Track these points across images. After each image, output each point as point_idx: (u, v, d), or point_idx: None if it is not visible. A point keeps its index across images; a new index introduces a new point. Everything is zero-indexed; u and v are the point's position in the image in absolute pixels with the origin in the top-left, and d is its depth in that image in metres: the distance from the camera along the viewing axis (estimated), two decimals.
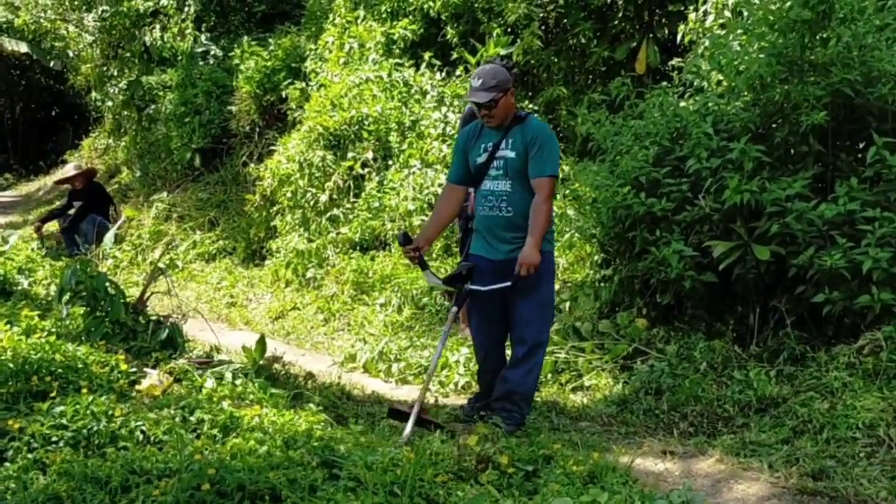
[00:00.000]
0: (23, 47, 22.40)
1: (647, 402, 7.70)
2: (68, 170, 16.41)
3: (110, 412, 5.58)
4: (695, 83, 9.63)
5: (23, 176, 28.94)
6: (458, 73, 13.63)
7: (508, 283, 6.80)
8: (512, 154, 6.93)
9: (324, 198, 13.52)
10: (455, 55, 13.87)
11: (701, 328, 8.39)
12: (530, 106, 13.03)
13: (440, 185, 12.29)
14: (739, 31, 8.85)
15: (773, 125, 8.32)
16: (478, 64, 12.92)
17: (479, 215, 7.15)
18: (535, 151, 6.85)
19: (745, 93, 8.53)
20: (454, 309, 7.06)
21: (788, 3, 8.01)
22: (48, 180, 25.32)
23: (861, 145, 8.16)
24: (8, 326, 7.03)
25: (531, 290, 6.91)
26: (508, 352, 7.35)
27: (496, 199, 6.98)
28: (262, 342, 7.41)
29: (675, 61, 11.01)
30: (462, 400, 8.23)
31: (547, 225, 6.85)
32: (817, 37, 8.02)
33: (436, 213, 7.33)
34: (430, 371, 6.96)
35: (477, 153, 7.08)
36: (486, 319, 7.18)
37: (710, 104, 8.76)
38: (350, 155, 13.62)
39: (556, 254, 8.49)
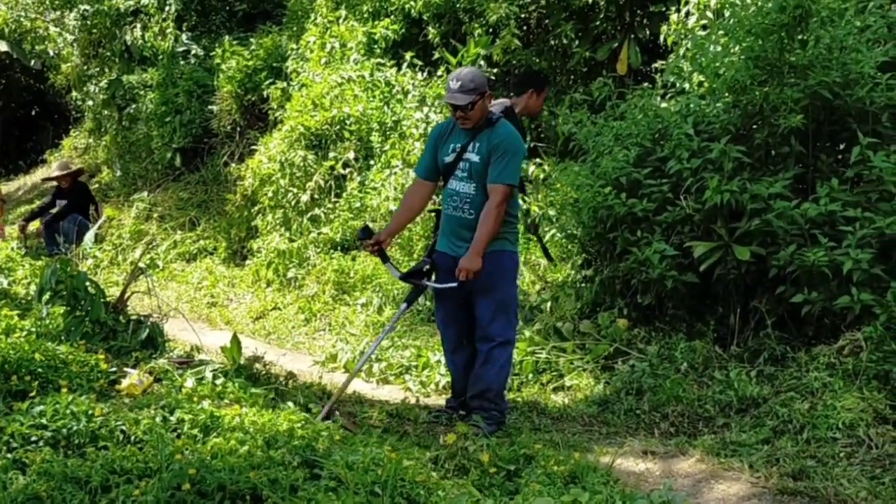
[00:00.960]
0: (2, 46, 22.28)
1: (629, 402, 7.72)
2: (56, 168, 16.33)
3: (90, 412, 5.55)
4: (676, 84, 9.65)
5: (2, 175, 28.83)
6: (439, 73, 13.60)
7: (454, 284, 6.88)
8: (476, 158, 6.97)
9: (305, 198, 13.49)
10: (437, 55, 13.86)
11: (682, 328, 8.41)
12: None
13: None
14: (721, 33, 8.87)
15: (754, 126, 8.34)
16: (459, 64, 12.93)
17: (444, 214, 7.22)
18: (496, 157, 6.87)
19: (726, 95, 8.55)
20: (404, 305, 7.20)
21: (766, 8, 8.03)
22: (28, 180, 25.18)
23: (841, 146, 8.19)
24: None
25: (489, 291, 6.99)
26: None
27: (460, 201, 7.03)
28: (235, 340, 7.38)
29: (657, 63, 11.03)
30: (443, 401, 8.23)
31: (494, 231, 6.85)
32: (795, 39, 8.04)
33: (402, 206, 7.42)
34: (364, 356, 7.14)
35: (446, 152, 7.13)
36: (450, 314, 7.28)
37: (691, 105, 8.78)
38: (331, 155, 13.59)
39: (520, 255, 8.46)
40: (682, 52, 9.98)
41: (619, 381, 8.06)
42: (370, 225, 7.34)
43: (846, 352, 7.05)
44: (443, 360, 8.96)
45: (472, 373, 7.18)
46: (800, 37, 8.04)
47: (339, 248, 12.99)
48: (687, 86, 9.44)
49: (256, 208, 14.55)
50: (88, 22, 20.09)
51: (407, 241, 11.88)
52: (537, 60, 13.29)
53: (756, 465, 6.17)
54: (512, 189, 6.95)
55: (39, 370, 6.17)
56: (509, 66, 13.38)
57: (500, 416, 7.14)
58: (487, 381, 7.08)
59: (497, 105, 8.73)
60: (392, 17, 14.81)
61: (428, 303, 10.77)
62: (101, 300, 7.43)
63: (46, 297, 7.44)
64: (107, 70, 20.37)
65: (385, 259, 7.31)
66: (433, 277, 7.23)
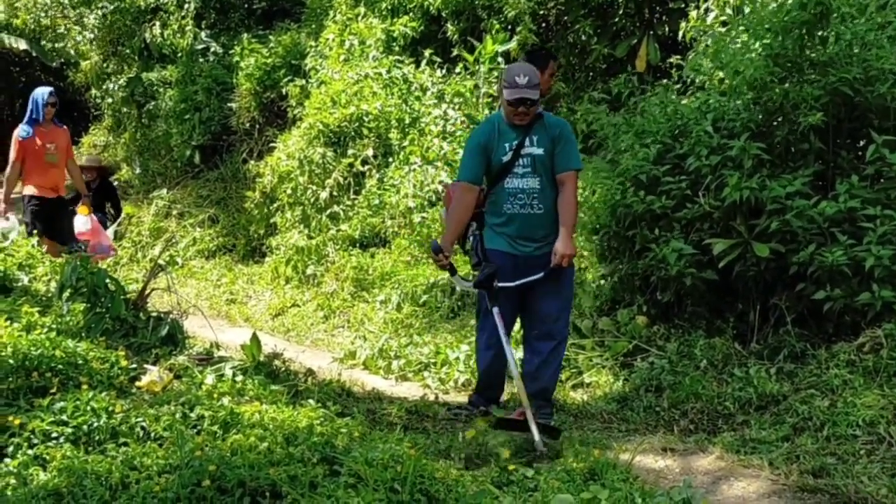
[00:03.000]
0: (22, 44, 22.34)
1: (648, 399, 7.70)
2: (85, 160, 16.30)
3: (110, 408, 5.58)
4: (696, 81, 9.62)
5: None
6: (457, 70, 13.61)
7: (541, 275, 6.92)
8: (540, 151, 7.01)
9: (324, 195, 13.50)
10: (455, 52, 13.85)
11: (701, 326, 8.39)
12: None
13: (440, 182, 12.27)
14: (741, 29, 8.84)
15: (774, 123, 8.31)
16: (476, 61, 12.92)
17: (505, 213, 7.12)
18: (561, 146, 7.00)
19: (746, 92, 8.51)
20: (495, 309, 6.92)
21: (786, 6, 7.99)
22: None
23: (862, 143, 8.14)
24: (8, 322, 7.00)
25: (558, 286, 7.03)
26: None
27: (527, 197, 7.03)
28: (255, 339, 7.40)
29: (675, 59, 10.99)
30: (462, 398, 8.23)
31: (577, 217, 7.03)
32: (816, 36, 8.01)
33: (458, 215, 7.21)
34: (515, 375, 6.89)
35: (502, 152, 7.07)
36: (505, 314, 7.07)
37: (710, 102, 8.75)
38: (350, 152, 13.61)
39: None
40: (701, 48, 9.94)
41: (639, 378, 8.05)
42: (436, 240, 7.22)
43: (866, 349, 7.02)
44: (461, 357, 8.98)
45: (530, 372, 7.18)
46: (820, 33, 8.00)
47: (357, 244, 13.00)
48: (707, 82, 9.40)
49: (275, 205, 14.56)
50: (108, 20, 20.15)
51: (426, 238, 11.88)
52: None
53: (776, 462, 6.15)
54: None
55: (60, 367, 6.18)
56: None
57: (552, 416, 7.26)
58: (547, 380, 7.18)
59: None
60: (411, 14, 14.83)
61: (447, 300, 10.78)
62: (122, 297, 7.46)
63: (67, 294, 7.46)
64: (126, 67, 20.45)
65: (454, 271, 7.20)
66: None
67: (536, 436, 6.33)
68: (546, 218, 7.03)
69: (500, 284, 6.95)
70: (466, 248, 7.47)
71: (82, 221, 12.50)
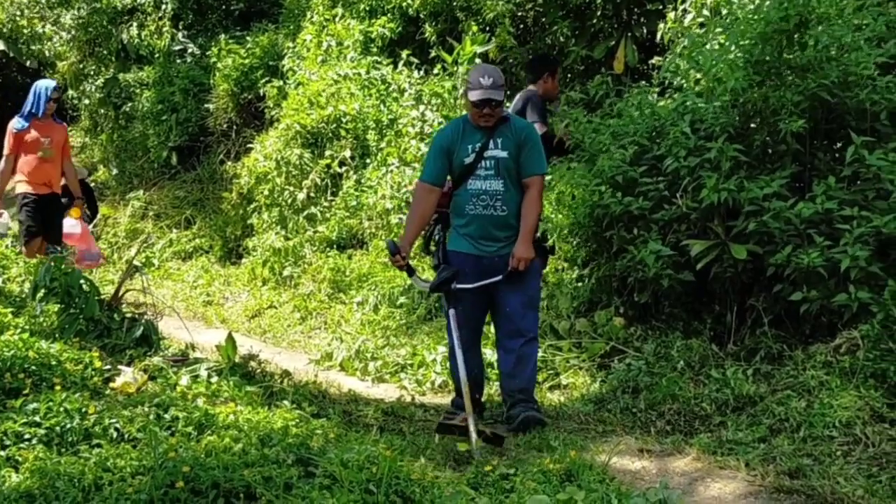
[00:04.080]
0: None
1: (625, 400, 7.69)
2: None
3: (84, 409, 5.55)
4: (674, 82, 9.63)
5: None
6: (435, 71, 13.60)
7: (500, 278, 6.94)
8: (504, 154, 7.02)
9: (301, 196, 13.49)
10: (433, 53, 13.84)
11: (678, 327, 8.39)
12: (507, 104, 13.00)
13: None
14: (718, 31, 8.85)
15: (752, 126, 8.31)
16: (455, 62, 12.91)
17: (467, 214, 7.14)
18: (528, 149, 7.01)
19: (724, 94, 8.51)
20: (451, 311, 6.99)
21: (766, 16, 7.99)
22: None
23: (839, 145, 8.16)
24: None
25: (521, 285, 7.03)
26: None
27: (490, 199, 7.05)
28: (230, 340, 7.38)
29: (653, 60, 11.01)
30: (439, 399, 8.22)
31: (538, 221, 7.04)
32: (794, 42, 8.01)
33: (417, 215, 7.29)
34: (462, 380, 6.81)
35: (465, 153, 7.10)
36: (470, 316, 7.18)
37: (688, 103, 8.75)
38: (327, 153, 13.60)
39: None
40: (679, 49, 9.94)
41: (616, 379, 8.04)
42: (395, 240, 7.20)
43: (843, 350, 7.03)
44: (438, 358, 8.98)
45: (506, 371, 7.20)
46: (799, 38, 8.01)
47: (335, 246, 12.99)
48: (684, 83, 9.41)
49: (252, 206, 14.53)
50: (85, 21, 20.07)
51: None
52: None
53: (752, 463, 6.15)
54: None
55: (33, 368, 6.16)
56: (505, 64, 13.35)
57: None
58: (525, 380, 7.18)
59: (522, 94, 8.75)
60: (389, 15, 14.80)
61: (424, 301, 10.76)
62: (96, 298, 7.43)
63: (41, 294, 7.43)
64: (103, 69, 20.37)
65: (412, 272, 7.26)
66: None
67: (474, 444, 6.33)
68: (509, 219, 7.06)
69: (459, 286, 6.99)
70: (431, 248, 7.53)
71: (71, 224, 12.22)
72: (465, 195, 7.12)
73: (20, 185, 11.57)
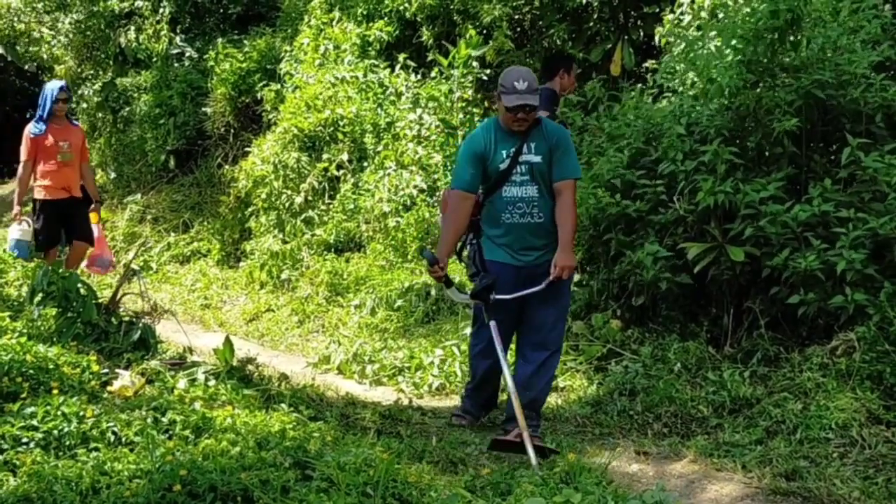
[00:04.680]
0: None
1: (622, 403, 7.69)
2: None
3: (81, 413, 5.55)
4: (670, 85, 9.64)
5: None
6: (432, 74, 13.61)
7: (540, 288, 6.72)
8: (537, 158, 6.77)
9: (299, 199, 13.49)
10: (430, 57, 13.86)
11: (675, 329, 8.39)
12: None
13: (415, 186, 12.30)
14: (713, 34, 8.87)
15: (748, 127, 8.33)
16: (451, 65, 12.92)
17: (504, 223, 6.88)
18: (560, 153, 6.78)
19: (719, 98, 8.52)
20: (492, 323, 6.72)
21: (757, 14, 8.01)
22: None
23: (834, 147, 8.18)
24: None
25: (556, 296, 6.84)
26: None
27: (527, 206, 6.80)
28: (228, 343, 7.38)
29: (650, 63, 11.02)
30: (437, 402, 8.22)
31: (576, 227, 6.86)
32: (787, 41, 8.03)
33: (453, 224, 6.99)
34: (511, 390, 6.55)
35: (499, 159, 6.82)
36: (503, 324, 6.84)
37: (683, 106, 8.77)
38: (325, 156, 13.60)
39: None
40: (675, 52, 9.96)
41: (613, 382, 8.04)
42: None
43: (839, 352, 7.04)
44: (436, 361, 8.98)
45: (522, 380, 6.82)
46: (791, 38, 8.03)
47: (332, 249, 12.99)
48: (680, 86, 9.42)
49: (250, 210, 14.54)
50: (82, 25, 20.07)
51: (401, 242, 11.90)
52: (530, 61, 13.28)
53: (749, 465, 6.17)
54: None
55: (31, 372, 6.15)
56: (502, 68, 13.36)
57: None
58: (538, 391, 6.91)
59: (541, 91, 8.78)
60: (386, 18, 14.80)
61: (421, 305, 10.76)
62: (93, 301, 7.43)
63: (38, 298, 7.43)
64: (101, 72, 20.36)
65: (450, 284, 7.00)
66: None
67: (533, 459, 6.08)
68: (546, 226, 6.80)
69: (497, 297, 6.75)
70: (463, 256, 7.32)
71: None
72: (501, 203, 6.86)
73: (37, 192, 11.31)
